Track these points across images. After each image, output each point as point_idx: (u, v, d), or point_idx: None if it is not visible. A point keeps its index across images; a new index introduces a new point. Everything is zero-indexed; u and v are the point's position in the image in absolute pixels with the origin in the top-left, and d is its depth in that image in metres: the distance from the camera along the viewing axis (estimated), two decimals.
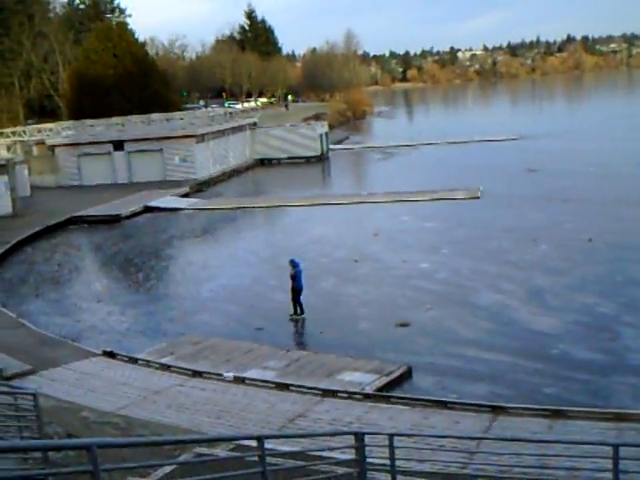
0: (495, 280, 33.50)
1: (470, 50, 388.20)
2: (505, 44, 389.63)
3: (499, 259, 36.94)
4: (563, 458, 13.06)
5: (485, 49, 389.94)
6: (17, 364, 23.85)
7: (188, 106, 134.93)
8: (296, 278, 29.70)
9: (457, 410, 19.33)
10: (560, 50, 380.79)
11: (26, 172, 64.77)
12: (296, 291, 29.74)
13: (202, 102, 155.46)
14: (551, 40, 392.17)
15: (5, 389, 13.86)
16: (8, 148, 60.42)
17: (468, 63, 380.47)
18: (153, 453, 13.17)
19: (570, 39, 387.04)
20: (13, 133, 79.92)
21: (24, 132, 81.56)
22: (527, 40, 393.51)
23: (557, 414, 18.57)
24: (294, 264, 30.09)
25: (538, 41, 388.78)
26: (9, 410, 12.91)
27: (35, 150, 75.07)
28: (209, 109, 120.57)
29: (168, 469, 11.91)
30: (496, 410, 19.03)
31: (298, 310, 29.76)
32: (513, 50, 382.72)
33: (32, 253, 45.91)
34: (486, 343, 26.21)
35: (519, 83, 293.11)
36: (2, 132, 79.46)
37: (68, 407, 19.35)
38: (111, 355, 25.47)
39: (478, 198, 52.19)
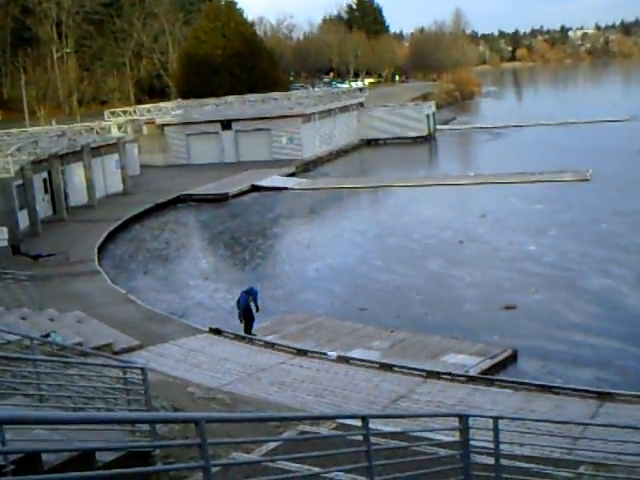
0: (604, 264, 32.83)
1: (581, 29, 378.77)
2: (618, 22, 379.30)
3: (609, 243, 36.17)
4: None
5: (597, 28, 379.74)
6: (126, 339, 24.41)
7: (296, 86, 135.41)
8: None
9: (562, 395, 19.06)
10: None
11: (136, 151, 65.97)
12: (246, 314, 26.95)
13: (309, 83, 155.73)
14: None
15: (115, 363, 14.14)
16: (119, 127, 61.49)
17: (579, 42, 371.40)
18: (257, 429, 13.31)
19: None
20: (124, 112, 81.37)
21: (134, 111, 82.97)
22: None
23: None
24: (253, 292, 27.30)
25: None
26: (118, 383, 13.19)
27: (145, 129, 76.31)
28: (316, 89, 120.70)
29: (272, 445, 12.01)
30: (603, 396, 18.69)
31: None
32: (627, 28, 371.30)
33: (141, 230, 46.83)
34: (594, 328, 25.75)
35: (633, 63, 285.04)
36: (113, 111, 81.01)
37: (174, 382, 19.72)
38: (217, 332, 25.85)
39: (587, 180, 51.15)
